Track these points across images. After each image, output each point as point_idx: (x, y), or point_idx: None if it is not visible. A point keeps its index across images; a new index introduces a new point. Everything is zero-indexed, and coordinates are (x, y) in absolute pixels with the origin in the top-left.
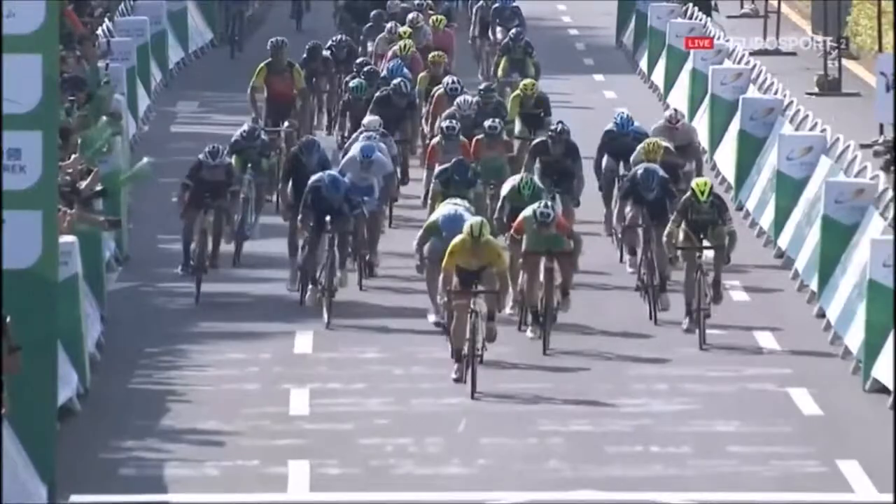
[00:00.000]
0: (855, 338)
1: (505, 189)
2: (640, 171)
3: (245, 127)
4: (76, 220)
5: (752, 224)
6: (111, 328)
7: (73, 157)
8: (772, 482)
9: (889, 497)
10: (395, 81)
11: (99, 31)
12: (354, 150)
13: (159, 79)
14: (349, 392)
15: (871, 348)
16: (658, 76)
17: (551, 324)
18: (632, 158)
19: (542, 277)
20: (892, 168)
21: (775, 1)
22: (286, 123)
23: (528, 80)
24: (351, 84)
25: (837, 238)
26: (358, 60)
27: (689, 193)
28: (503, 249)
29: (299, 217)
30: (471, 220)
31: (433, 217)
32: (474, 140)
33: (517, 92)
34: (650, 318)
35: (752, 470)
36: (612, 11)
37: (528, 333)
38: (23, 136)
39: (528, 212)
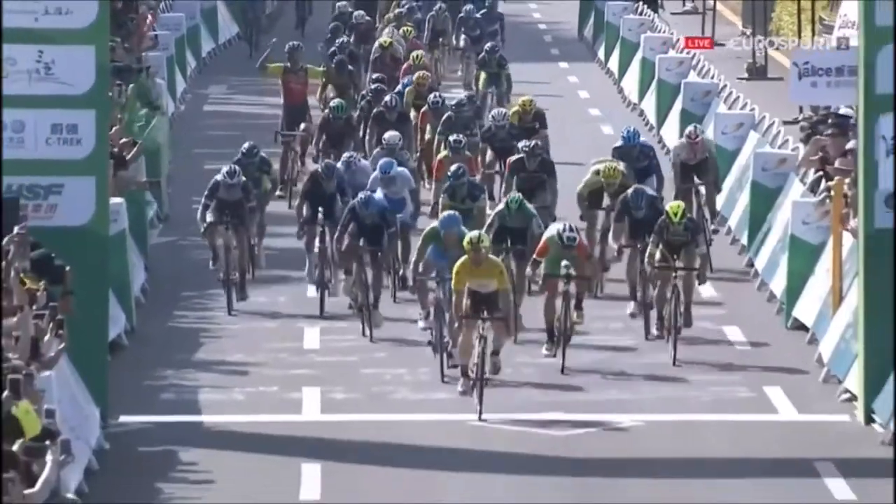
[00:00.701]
0: (778, 284)
1: (496, 209)
2: (630, 193)
3: (245, 145)
4: (122, 183)
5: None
6: (153, 276)
7: (114, 129)
8: (709, 405)
9: (808, 417)
10: (386, 98)
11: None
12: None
13: (194, 66)
14: (354, 330)
15: (792, 292)
16: (613, 64)
17: (567, 343)
18: (585, 180)
19: (559, 300)
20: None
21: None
22: (301, 127)
23: (526, 98)
24: (332, 104)
25: (764, 200)
26: (374, 76)
27: (663, 216)
28: (504, 267)
29: (336, 238)
30: (469, 233)
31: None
32: (438, 158)
33: (516, 108)
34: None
35: (692, 395)
36: (574, 9)
37: (544, 350)
38: (79, 114)
39: (552, 232)
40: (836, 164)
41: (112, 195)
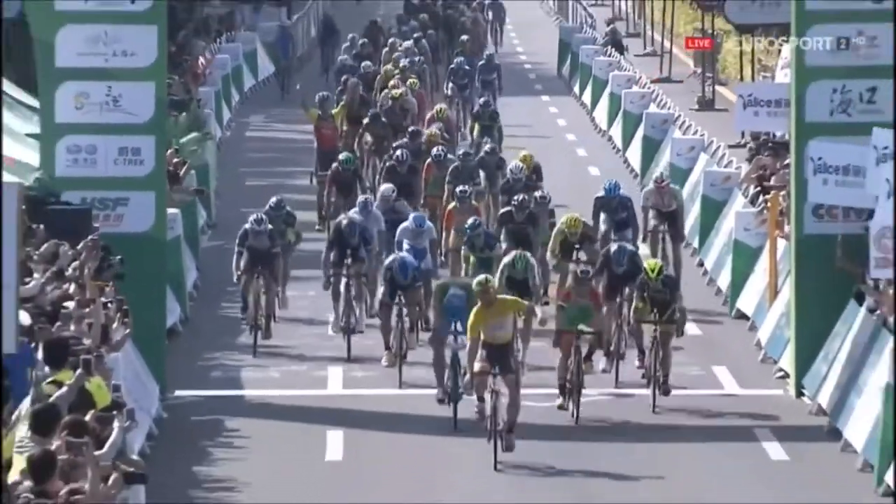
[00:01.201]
0: (724, 280)
1: (504, 260)
2: (612, 249)
3: (273, 199)
4: (175, 195)
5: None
6: (203, 274)
7: (169, 151)
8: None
9: (748, 391)
10: (397, 153)
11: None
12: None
13: (237, 99)
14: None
15: (736, 287)
16: (586, 97)
17: (579, 395)
18: (555, 231)
19: (572, 355)
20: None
21: (668, 43)
22: (334, 165)
23: (526, 154)
24: (340, 157)
25: (712, 211)
26: (411, 129)
27: (643, 273)
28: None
29: (379, 294)
30: (476, 278)
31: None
32: (447, 209)
33: (517, 162)
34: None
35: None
36: (554, 52)
37: (557, 401)
38: (141, 139)
39: (571, 268)
40: (772, 180)
41: (168, 207)
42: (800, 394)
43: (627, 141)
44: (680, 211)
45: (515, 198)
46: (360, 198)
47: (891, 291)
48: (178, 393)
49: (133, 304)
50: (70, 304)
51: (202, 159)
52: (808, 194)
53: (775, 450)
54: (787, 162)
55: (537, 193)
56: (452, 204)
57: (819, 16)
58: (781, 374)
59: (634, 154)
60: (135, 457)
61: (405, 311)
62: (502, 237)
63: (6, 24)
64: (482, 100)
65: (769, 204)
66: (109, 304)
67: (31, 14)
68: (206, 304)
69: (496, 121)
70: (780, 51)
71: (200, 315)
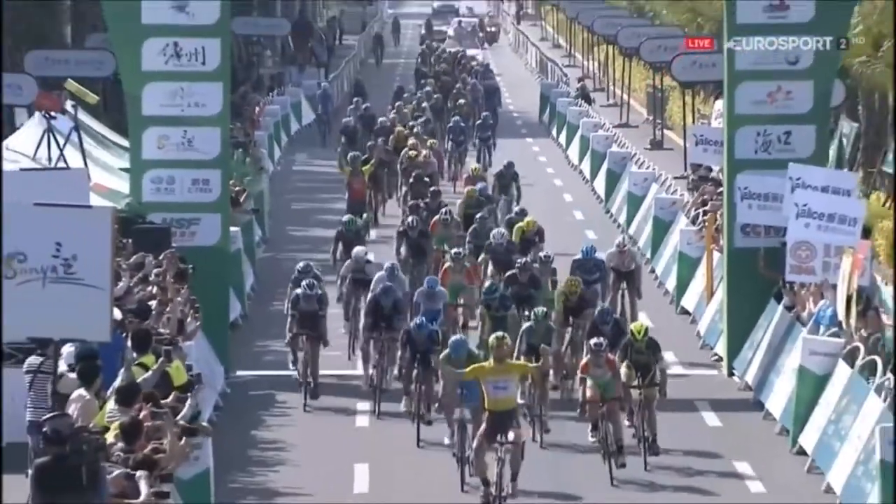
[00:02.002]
0: (671, 283)
1: (523, 325)
2: (597, 312)
3: (300, 265)
4: (236, 215)
5: (614, 221)
6: (259, 279)
7: (232, 181)
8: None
9: (690, 371)
10: (408, 220)
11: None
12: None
13: (286, 140)
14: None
15: (680, 288)
16: (562, 139)
17: (619, 457)
18: (556, 292)
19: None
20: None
21: (626, 96)
22: (364, 216)
23: (529, 220)
24: (343, 219)
25: (661, 229)
26: (432, 189)
27: (627, 336)
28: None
29: (399, 366)
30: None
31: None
32: (443, 268)
33: (521, 225)
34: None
35: None
36: (536, 102)
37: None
38: (210, 172)
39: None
40: (709, 205)
41: (231, 225)
42: (731, 374)
43: (594, 174)
44: (638, 272)
45: (519, 261)
46: (387, 264)
47: (803, 292)
48: (238, 373)
49: (203, 302)
50: (153, 303)
51: (258, 188)
52: (737, 216)
53: (711, 418)
54: (720, 190)
55: (541, 254)
56: (448, 264)
57: (746, 74)
58: (716, 357)
59: (600, 184)
60: (205, 424)
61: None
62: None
63: (105, 81)
64: (507, 161)
65: (706, 223)
66: (185, 303)
67: (123, 73)
68: (261, 303)
69: (516, 180)
70: (714, 103)
71: (256, 311)
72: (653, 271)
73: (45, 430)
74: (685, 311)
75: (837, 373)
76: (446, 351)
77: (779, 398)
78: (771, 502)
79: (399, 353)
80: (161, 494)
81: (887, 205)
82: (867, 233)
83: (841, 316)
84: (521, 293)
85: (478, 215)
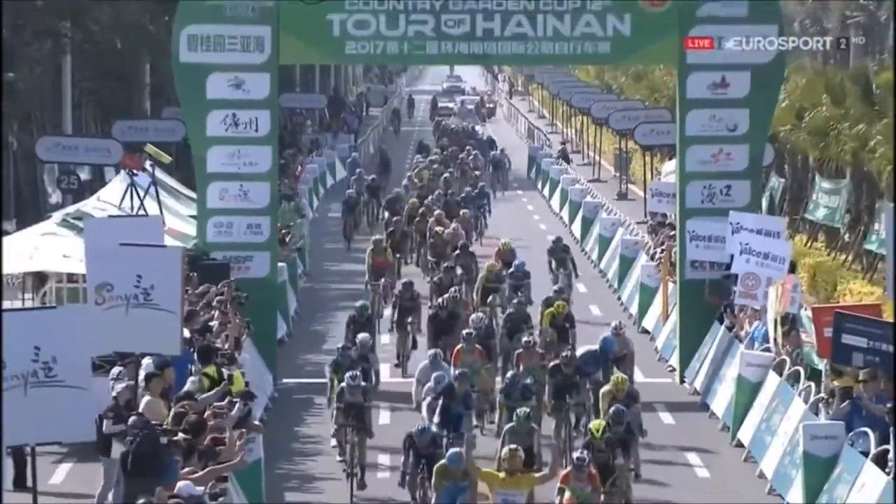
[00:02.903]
0: (634, 308)
1: (505, 426)
2: (611, 411)
3: (339, 345)
4: (282, 253)
5: (588, 258)
6: (301, 305)
7: (279, 225)
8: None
9: (649, 380)
10: (439, 300)
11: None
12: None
13: (322, 193)
14: None
15: (641, 312)
16: (546, 191)
17: None
18: (602, 392)
19: None
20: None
21: (598, 157)
22: (382, 281)
23: (559, 303)
24: (357, 304)
25: (626, 264)
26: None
27: (587, 435)
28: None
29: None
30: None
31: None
32: (455, 349)
33: (551, 310)
34: None
35: None
36: (525, 161)
37: None
38: (261, 218)
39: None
40: (665, 245)
41: (279, 261)
42: (682, 381)
43: (572, 219)
44: (631, 357)
45: (564, 354)
46: (430, 352)
47: (741, 315)
48: (284, 380)
49: (255, 323)
50: (214, 324)
51: (300, 231)
52: (687, 254)
53: (666, 417)
54: (672, 233)
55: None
56: (460, 345)
57: (694, 139)
58: (671, 368)
59: (576, 227)
60: (256, 421)
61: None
62: (550, 387)
63: (177, 145)
64: (555, 236)
65: (663, 260)
66: (240, 324)
67: (192, 139)
68: (303, 325)
69: (568, 252)
70: (668, 162)
71: (299, 331)
72: (619, 298)
73: (129, 425)
74: (645, 331)
75: (768, 381)
76: (443, 462)
77: (721, 401)
78: (715, 486)
79: (403, 458)
80: (218, 494)
81: (809, 245)
82: (793, 268)
83: (771, 335)
84: (566, 383)
85: (514, 300)
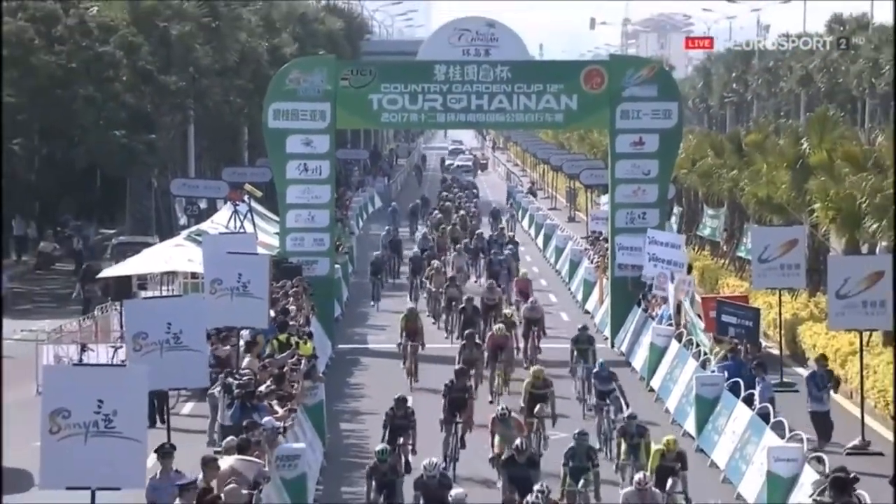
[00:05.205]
0: (580, 296)
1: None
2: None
3: (396, 396)
4: (338, 258)
5: (548, 262)
6: (351, 294)
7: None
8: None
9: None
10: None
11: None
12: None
13: (366, 217)
14: None
15: (585, 299)
16: (519, 216)
17: None
18: (654, 451)
19: None
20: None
21: (554, 192)
22: (411, 342)
23: (670, 438)
24: (377, 449)
25: (574, 266)
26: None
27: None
28: None
29: None
30: None
31: None
32: (491, 419)
33: (660, 448)
34: None
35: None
36: (503, 195)
37: None
38: (322, 235)
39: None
40: (601, 253)
41: (335, 263)
42: (612, 346)
43: (537, 235)
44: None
45: (671, 487)
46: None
47: (653, 301)
48: (339, 346)
49: (318, 307)
50: (292, 308)
51: (349, 244)
52: (616, 259)
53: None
54: (606, 245)
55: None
56: (494, 415)
57: (621, 181)
58: (605, 337)
59: (540, 241)
60: (321, 374)
61: None
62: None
63: (266, 184)
64: (580, 325)
65: (599, 263)
66: (308, 307)
67: (276, 180)
68: (352, 308)
69: (592, 344)
70: (603, 196)
71: (349, 313)
72: (570, 290)
73: (231, 383)
74: (587, 312)
75: (671, 346)
76: None
77: (639, 360)
78: None
79: (365, 488)
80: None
81: (699, 253)
82: (689, 269)
83: (672, 315)
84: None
85: (575, 432)
